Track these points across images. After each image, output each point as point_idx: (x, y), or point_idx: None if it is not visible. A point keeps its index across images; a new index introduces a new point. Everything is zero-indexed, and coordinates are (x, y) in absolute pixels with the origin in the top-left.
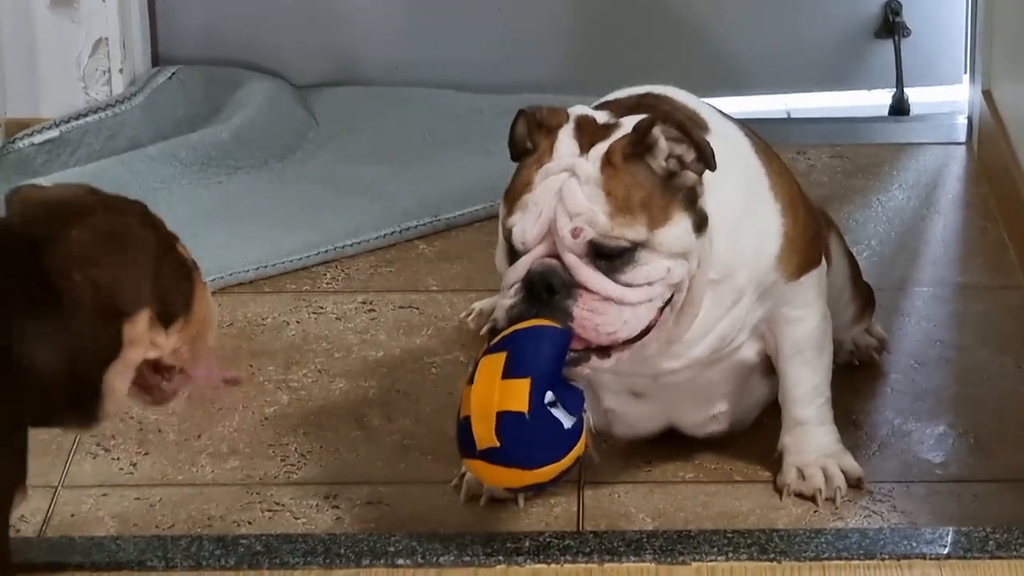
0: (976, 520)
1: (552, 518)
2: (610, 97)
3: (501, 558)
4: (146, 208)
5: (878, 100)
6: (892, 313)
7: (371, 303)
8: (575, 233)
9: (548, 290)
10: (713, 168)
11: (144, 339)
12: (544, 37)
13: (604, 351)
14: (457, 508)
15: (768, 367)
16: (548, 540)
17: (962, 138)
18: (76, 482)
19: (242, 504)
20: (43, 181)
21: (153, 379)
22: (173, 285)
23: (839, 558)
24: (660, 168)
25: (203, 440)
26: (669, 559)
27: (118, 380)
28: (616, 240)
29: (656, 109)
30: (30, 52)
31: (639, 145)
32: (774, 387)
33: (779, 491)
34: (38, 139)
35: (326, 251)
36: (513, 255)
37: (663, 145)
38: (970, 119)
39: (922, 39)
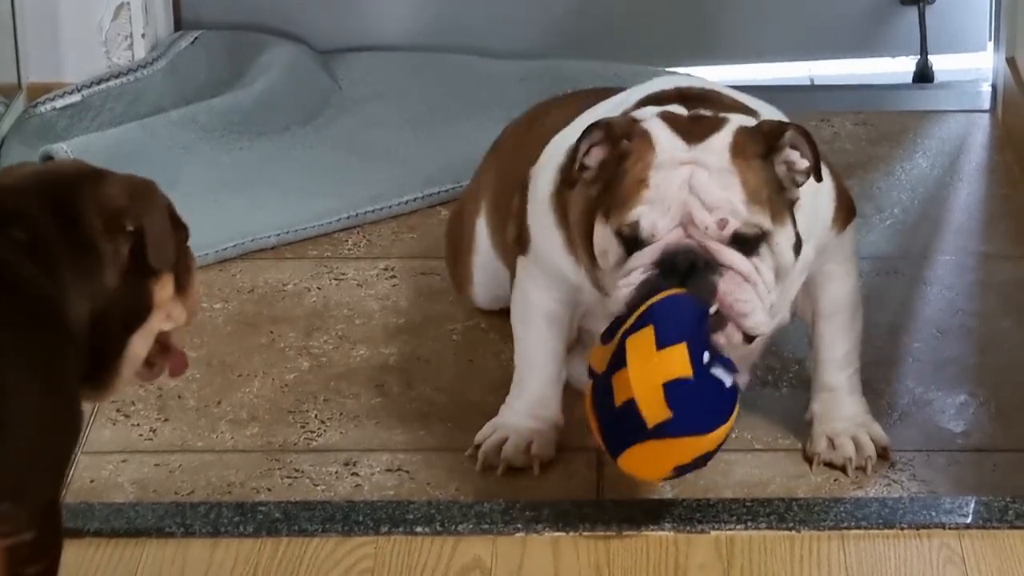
0: (996, 489)
1: (572, 486)
2: (640, 93)
3: (520, 526)
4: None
5: (902, 67)
6: (914, 281)
7: (393, 269)
8: (721, 224)
9: (692, 269)
10: (819, 179)
11: (166, 306)
12: (568, 3)
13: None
14: (476, 476)
15: None
16: (567, 508)
17: (986, 106)
18: (95, 448)
19: (261, 471)
20: (65, 146)
21: (155, 356)
22: (182, 254)
23: (858, 527)
24: (779, 172)
25: (223, 406)
26: (688, 528)
27: (140, 347)
28: (753, 228)
29: (712, 101)
30: (52, 17)
31: (770, 143)
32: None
33: (808, 460)
34: (60, 104)
35: (348, 217)
36: (631, 248)
37: (787, 150)
38: (994, 87)
39: (947, 6)
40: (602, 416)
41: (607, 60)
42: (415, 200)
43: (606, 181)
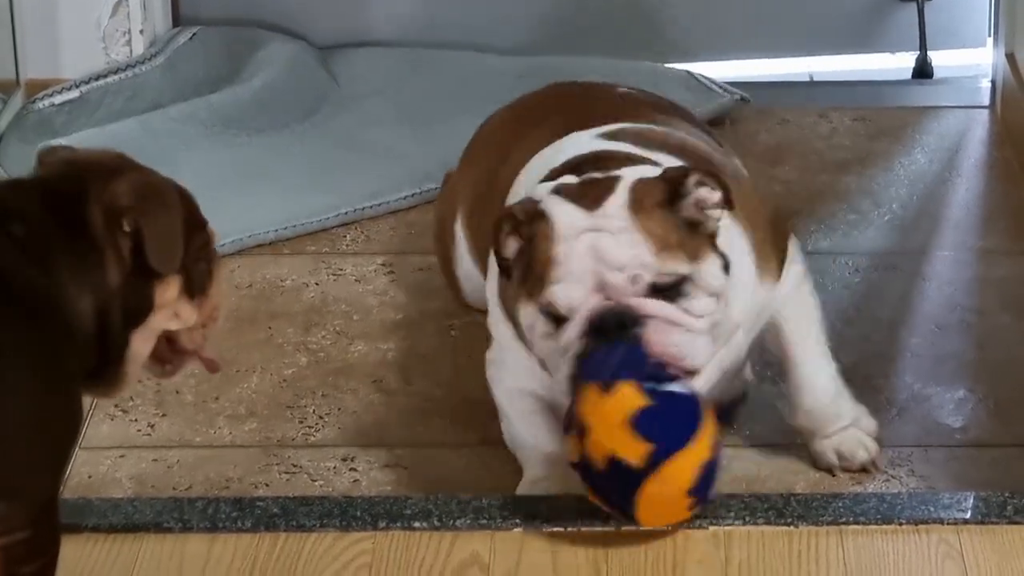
0: (994, 485)
1: None
2: (541, 168)
3: (518, 521)
4: (177, 183)
5: (901, 63)
6: (913, 277)
7: (391, 265)
8: (634, 280)
9: (619, 328)
10: (732, 208)
11: (171, 307)
12: None
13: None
14: (474, 471)
15: None
16: (566, 504)
17: (985, 102)
18: (93, 443)
19: (259, 466)
20: (64, 142)
21: (166, 355)
22: (199, 260)
23: (856, 523)
24: (688, 214)
25: (221, 402)
26: (686, 523)
27: (142, 345)
28: (667, 276)
29: (604, 160)
30: (51, 13)
31: (673, 189)
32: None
33: (827, 471)
34: (58, 100)
35: (346, 213)
36: (558, 322)
37: (694, 192)
38: (993, 83)
39: (946, 2)
40: (602, 491)
41: (606, 56)
42: (413, 196)
43: (524, 265)
